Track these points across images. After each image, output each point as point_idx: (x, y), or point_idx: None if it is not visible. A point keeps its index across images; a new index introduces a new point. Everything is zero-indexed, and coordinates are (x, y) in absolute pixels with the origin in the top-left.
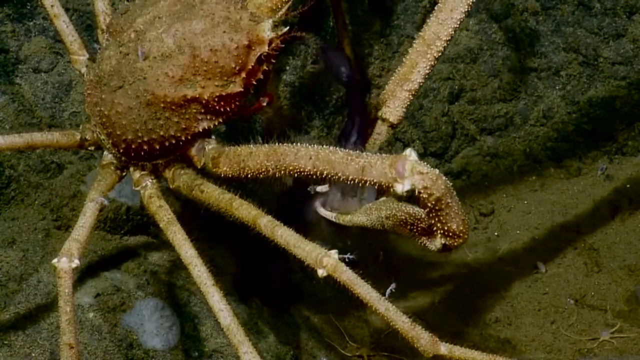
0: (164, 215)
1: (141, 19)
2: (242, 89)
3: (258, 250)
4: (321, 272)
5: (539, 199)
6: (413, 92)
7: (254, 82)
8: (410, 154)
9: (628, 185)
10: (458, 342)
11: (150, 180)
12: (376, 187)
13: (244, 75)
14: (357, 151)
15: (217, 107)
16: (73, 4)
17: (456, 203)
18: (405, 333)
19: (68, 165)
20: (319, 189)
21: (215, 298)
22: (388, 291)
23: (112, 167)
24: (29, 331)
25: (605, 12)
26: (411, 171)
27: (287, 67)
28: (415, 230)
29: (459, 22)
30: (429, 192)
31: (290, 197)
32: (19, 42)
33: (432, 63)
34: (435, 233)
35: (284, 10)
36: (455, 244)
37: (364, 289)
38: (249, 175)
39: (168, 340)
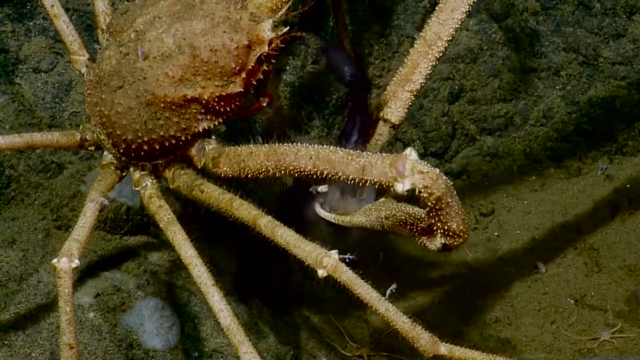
0: (164, 215)
1: (141, 19)
2: (242, 89)
3: (258, 251)
4: (321, 273)
5: (539, 199)
6: (414, 93)
7: (254, 82)
8: (411, 153)
9: (628, 185)
10: (458, 342)
11: (150, 181)
12: (376, 186)
13: (244, 75)
14: (358, 151)
15: (217, 107)
16: (73, 4)
17: (456, 202)
18: (405, 333)
19: (68, 165)
20: (321, 189)
21: (215, 298)
22: (388, 291)
23: (112, 167)
24: (29, 331)
25: (605, 12)
26: (411, 170)
27: (287, 67)
28: (415, 230)
29: (460, 22)
30: (429, 191)
31: (291, 197)
32: (19, 42)
33: (434, 63)
34: (435, 233)
35: (284, 10)
36: (456, 243)
37: (364, 289)
38: (249, 175)
39: (168, 340)
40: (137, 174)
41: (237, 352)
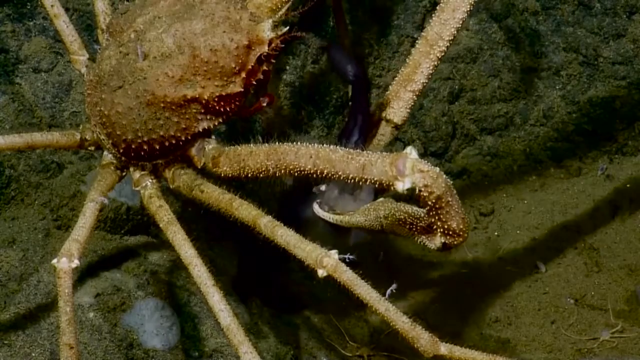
0: (164, 215)
1: (141, 19)
2: (242, 89)
3: (258, 251)
4: (321, 273)
5: (539, 199)
6: (417, 93)
7: (254, 82)
8: (411, 152)
9: (628, 185)
10: (458, 342)
11: (150, 180)
12: (377, 185)
13: (244, 75)
14: (358, 150)
15: (217, 107)
16: (73, 4)
17: (456, 201)
18: (405, 333)
19: (68, 165)
20: (323, 188)
21: (215, 298)
22: (388, 291)
23: (112, 167)
24: (29, 331)
25: (605, 12)
26: (412, 169)
27: (287, 67)
28: (414, 229)
29: (461, 22)
30: (429, 190)
31: (291, 197)
32: (19, 42)
33: (435, 63)
34: (435, 232)
35: (283, 10)
36: (455, 242)
37: (364, 289)
38: (249, 175)
39: (168, 340)
40: (137, 174)
41: (237, 352)
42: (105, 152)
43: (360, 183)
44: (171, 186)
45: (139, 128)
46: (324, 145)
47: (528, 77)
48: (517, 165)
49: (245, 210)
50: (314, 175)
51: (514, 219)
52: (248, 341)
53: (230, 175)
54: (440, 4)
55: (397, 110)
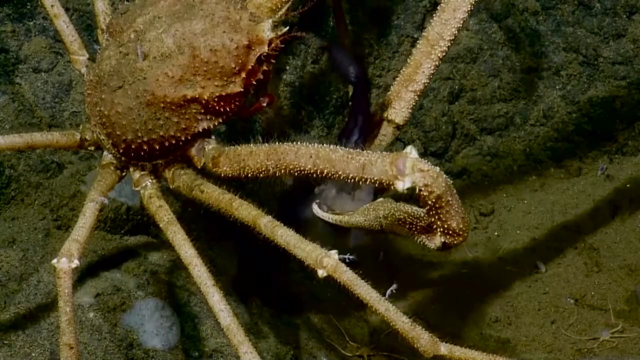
0: (164, 215)
1: (141, 19)
2: (242, 89)
3: (258, 251)
4: (321, 273)
5: (539, 199)
6: (418, 93)
7: (254, 82)
8: (411, 151)
9: (628, 185)
10: (458, 342)
11: (150, 181)
12: (377, 185)
13: (243, 75)
14: (358, 149)
15: (217, 108)
16: (73, 4)
17: (456, 201)
18: (405, 333)
19: (68, 165)
20: (323, 188)
21: (215, 298)
22: (388, 292)
23: (112, 167)
24: (29, 331)
25: (605, 12)
26: (412, 169)
27: (287, 67)
28: (414, 229)
29: (462, 22)
30: (429, 189)
31: (290, 197)
32: (19, 42)
33: (437, 63)
34: (435, 231)
35: (283, 10)
36: (455, 242)
37: (364, 290)
38: (249, 175)
39: (168, 340)
40: (137, 174)
41: (237, 352)
42: (105, 152)
43: (361, 183)
44: (171, 186)
45: (138, 128)
46: (324, 145)
47: (528, 77)
48: (517, 165)
49: (245, 210)
50: (314, 175)
51: (514, 219)
52: (248, 341)
53: (230, 175)
54: (441, 4)
55: (399, 110)
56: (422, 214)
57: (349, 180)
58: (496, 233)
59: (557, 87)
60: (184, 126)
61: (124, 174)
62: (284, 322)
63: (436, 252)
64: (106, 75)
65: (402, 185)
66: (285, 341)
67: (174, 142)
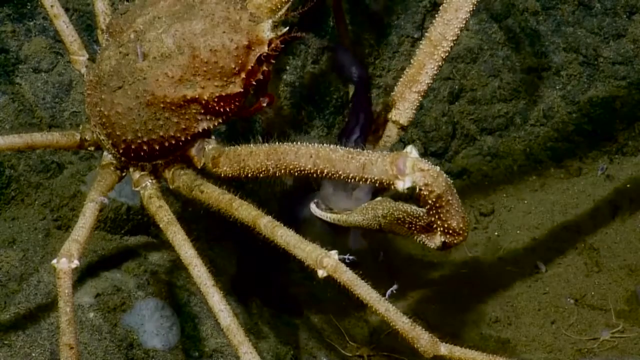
0: (164, 215)
1: (141, 19)
2: (241, 90)
3: (258, 251)
4: (321, 273)
5: (539, 199)
6: (422, 94)
7: (254, 83)
8: (411, 151)
9: (628, 185)
10: (458, 342)
11: (150, 181)
12: (377, 184)
13: (243, 75)
14: (358, 149)
15: (217, 108)
16: (73, 4)
17: (456, 200)
18: (405, 333)
19: (68, 165)
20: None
21: (215, 298)
22: (388, 292)
23: (112, 168)
24: (29, 331)
25: (605, 12)
26: (412, 168)
27: (287, 67)
28: (413, 228)
29: (464, 22)
30: (429, 189)
31: (289, 197)
32: (19, 42)
33: (440, 64)
34: (435, 231)
35: (283, 10)
36: (455, 241)
37: (364, 290)
38: (249, 175)
39: (168, 340)
40: (136, 174)
41: (237, 352)
42: (105, 153)
43: (361, 183)
44: (171, 186)
45: (138, 128)
46: (324, 145)
47: (528, 77)
48: (517, 165)
49: (245, 211)
50: (315, 175)
51: (514, 219)
52: (248, 341)
53: (230, 175)
54: (443, 4)
55: (403, 111)
56: (422, 214)
57: (349, 180)
58: (496, 233)
59: (557, 87)
60: (183, 126)
61: (123, 174)
62: (284, 322)
63: (436, 251)
64: (106, 75)
65: (402, 185)
66: (285, 341)
67: (173, 142)
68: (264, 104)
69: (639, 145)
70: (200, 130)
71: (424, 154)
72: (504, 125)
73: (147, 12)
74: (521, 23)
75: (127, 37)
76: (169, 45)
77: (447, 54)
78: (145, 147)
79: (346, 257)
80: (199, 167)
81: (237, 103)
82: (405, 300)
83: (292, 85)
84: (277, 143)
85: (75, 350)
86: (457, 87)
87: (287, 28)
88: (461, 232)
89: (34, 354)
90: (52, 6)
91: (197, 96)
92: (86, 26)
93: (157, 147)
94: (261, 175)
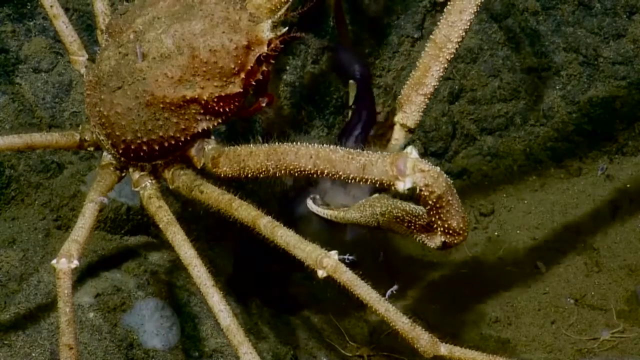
0: (164, 215)
1: (140, 20)
2: (241, 90)
3: (258, 251)
4: (321, 273)
5: (539, 199)
6: (428, 96)
7: (254, 83)
8: (411, 151)
9: (628, 185)
10: (458, 342)
11: (150, 181)
12: (377, 185)
13: (243, 75)
14: (358, 149)
15: (217, 108)
16: (73, 4)
17: (457, 200)
18: (405, 334)
19: (68, 165)
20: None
21: (215, 299)
22: (388, 292)
23: (112, 168)
24: (29, 331)
25: (605, 12)
26: (412, 169)
27: (287, 67)
28: (412, 227)
29: (468, 24)
30: (430, 189)
31: (287, 194)
32: (19, 42)
33: (445, 66)
34: (435, 230)
35: (283, 10)
36: (455, 241)
37: (364, 290)
38: (249, 175)
39: (168, 340)
40: (136, 175)
41: (237, 352)
42: (105, 153)
43: (361, 183)
44: (171, 187)
45: (138, 129)
46: (324, 145)
47: (528, 77)
48: (517, 165)
49: (245, 211)
50: (315, 176)
51: (514, 219)
52: (248, 341)
53: (230, 175)
54: (447, 6)
55: (410, 114)
56: (421, 212)
57: (349, 181)
58: (496, 233)
59: (557, 87)
60: (183, 127)
61: (123, 174)
62: (284, 322)
63: (436, 251)
64: (105, 75)
65: (402, 186)
66: (285, 341)
67: (173, 142)
68: (264, 104)
69: (639, 145)
70: (200, 131)
71: (424, 154)
72: (504, 125)
73: (147, 12)
74: (521, 23)
75: (127, 38)
76: (168, 45)
77: (452, 56)
78: (144, 148)
79: (346, 257)
80: (199, 168)
81: (236, 103)
82: (405, 300)
83: (292, 85)
84: (277, 143)
85: (75, 351)
86: (457, 87)
87: (287, 28)
88: (461, 232)
89: (34, 354)
90: (51, 6)
91: (196, 96)
92: (86, 26)
93: (157, 148)
94: (261, 175)
